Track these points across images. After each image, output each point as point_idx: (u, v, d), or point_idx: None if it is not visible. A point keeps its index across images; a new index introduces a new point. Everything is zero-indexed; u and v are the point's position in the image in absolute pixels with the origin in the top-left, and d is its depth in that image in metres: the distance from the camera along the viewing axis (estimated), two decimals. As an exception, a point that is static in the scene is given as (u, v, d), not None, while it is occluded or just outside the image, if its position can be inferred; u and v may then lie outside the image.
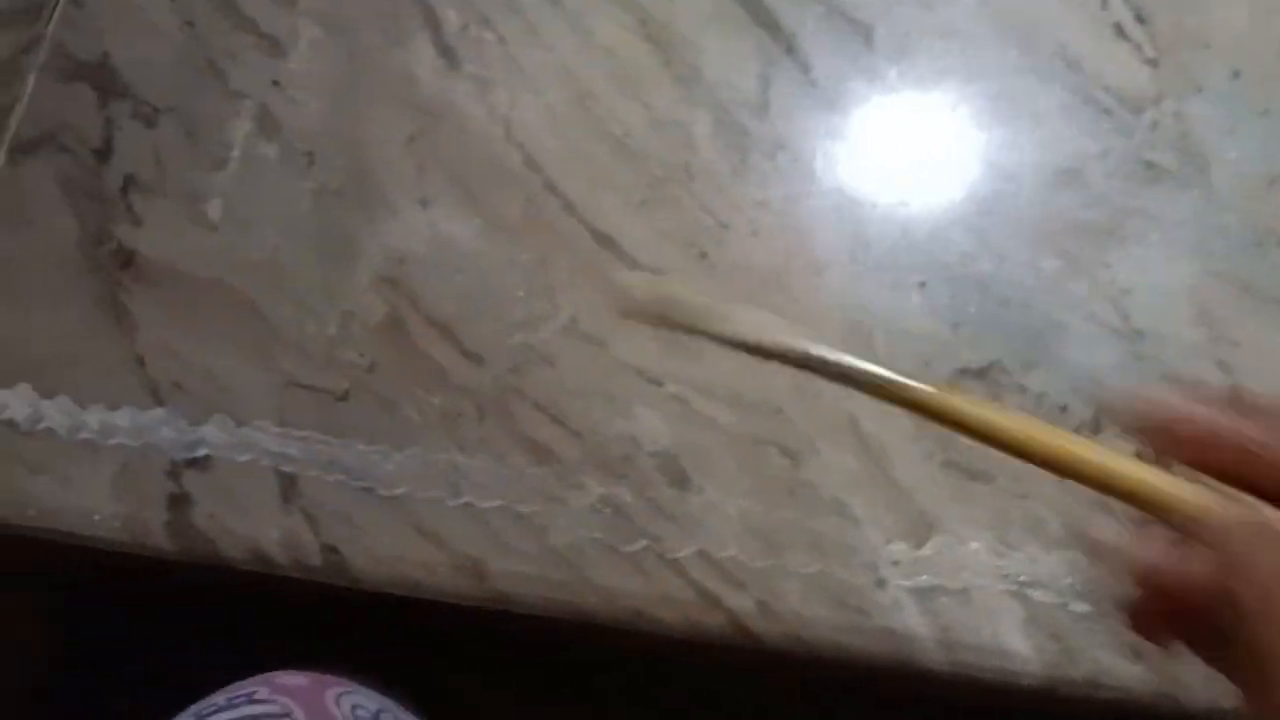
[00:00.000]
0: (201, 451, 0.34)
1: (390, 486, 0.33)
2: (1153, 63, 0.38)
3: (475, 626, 0.37)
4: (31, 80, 0.38)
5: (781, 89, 0.38)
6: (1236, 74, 0.38)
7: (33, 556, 0.36)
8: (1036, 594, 0.31)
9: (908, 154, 0.37)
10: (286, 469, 0.33)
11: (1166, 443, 0.21)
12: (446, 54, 0.38)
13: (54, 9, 0.39)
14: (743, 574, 0.32)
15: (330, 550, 0.33)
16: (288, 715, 0.33)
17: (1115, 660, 0.31)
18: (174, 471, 0.33)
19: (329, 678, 0.36)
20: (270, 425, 0.34)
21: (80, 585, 0.46)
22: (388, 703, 0.36)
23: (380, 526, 0.33)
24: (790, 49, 0.39)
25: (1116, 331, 0.35)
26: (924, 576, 0.32)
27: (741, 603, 0.32)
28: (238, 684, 0.35)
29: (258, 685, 0.35)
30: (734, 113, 0.38)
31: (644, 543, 0.33)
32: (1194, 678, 0.31)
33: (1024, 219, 0.36)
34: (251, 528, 0.33)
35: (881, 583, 0.32)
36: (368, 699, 0.36)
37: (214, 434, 0.34)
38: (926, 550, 0.32)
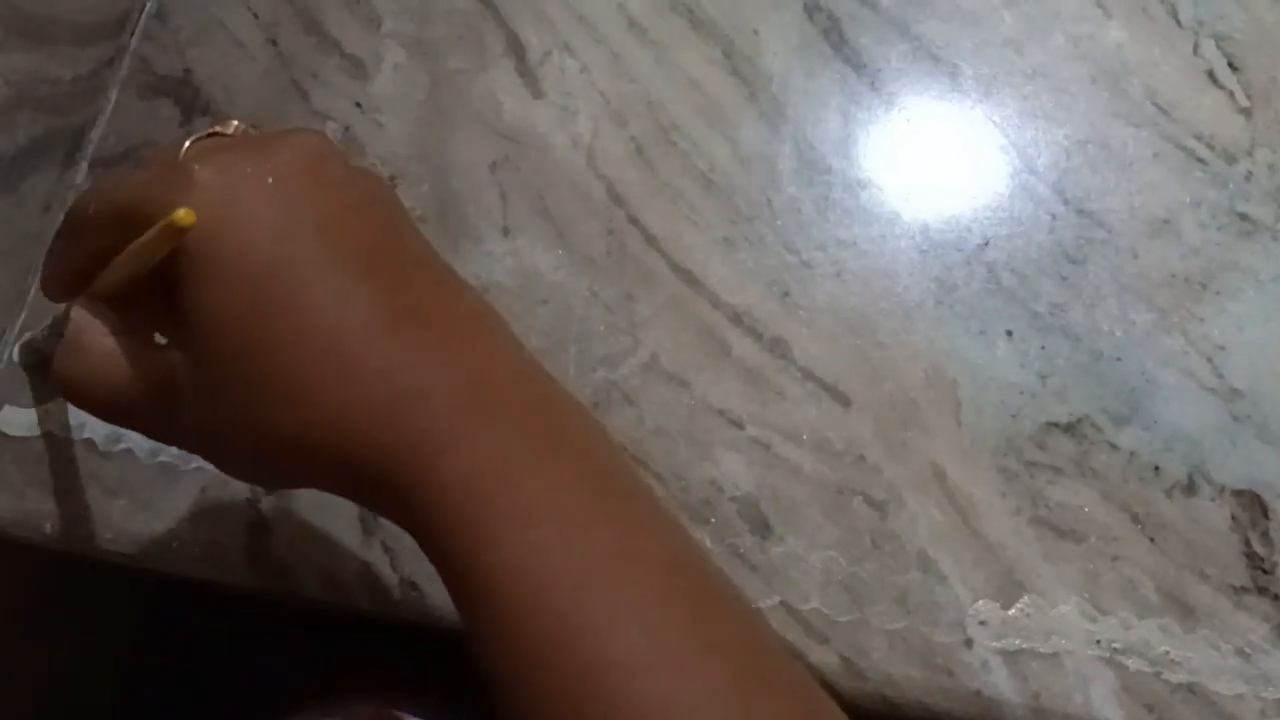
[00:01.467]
0: (279, 480, 0.32)
1: (469, 523, 0.31)
2: (1246, 112, 0.36)
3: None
4: (114, 95, 0.36)
5: (865, 126, 0.36)
6: (1333, 126, 0.36)
7: (107, 576, 0.35)
8: (1130, 661, 0.29)
9: (994, 196, 0.35)
10: (364, 501, 0.32)
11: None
12: (529, 81, 0.36)
13: (137, 23, 0.37)
14: (827, 628, 0.30)
15: (409, 585, 0.31)
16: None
17: (1212, 734, 0.29)
18: (254, 498, 0.32)
19: (398, 698, 0.34)
20: (348, 455, 0.32)
21: (147, 597, 0.45)
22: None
23: (458, 563, 0.31)
24: (874, 85, 0.36)
25: (1212, 390, 0.33)
26: (1013, 638, 0.30)
27: (826, 658, 0.30)
28: (310, 713, 0.34)
29: (331, 715, 0.33)
30: (818, 149, 0.35)
31: (725, 590, 0.31)
32: (1287, 751, 0.29)
33: (1115, 269, 0.34)
34: (330, 559, 0.31)
35: (969, 642, 0.30)
36: (434, 728, 0.34)
37: (291, 462, 0.32)
38: (1014, 611, 0.30)
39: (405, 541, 0.31)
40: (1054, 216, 0.35)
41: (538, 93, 0.36)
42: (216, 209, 0.19)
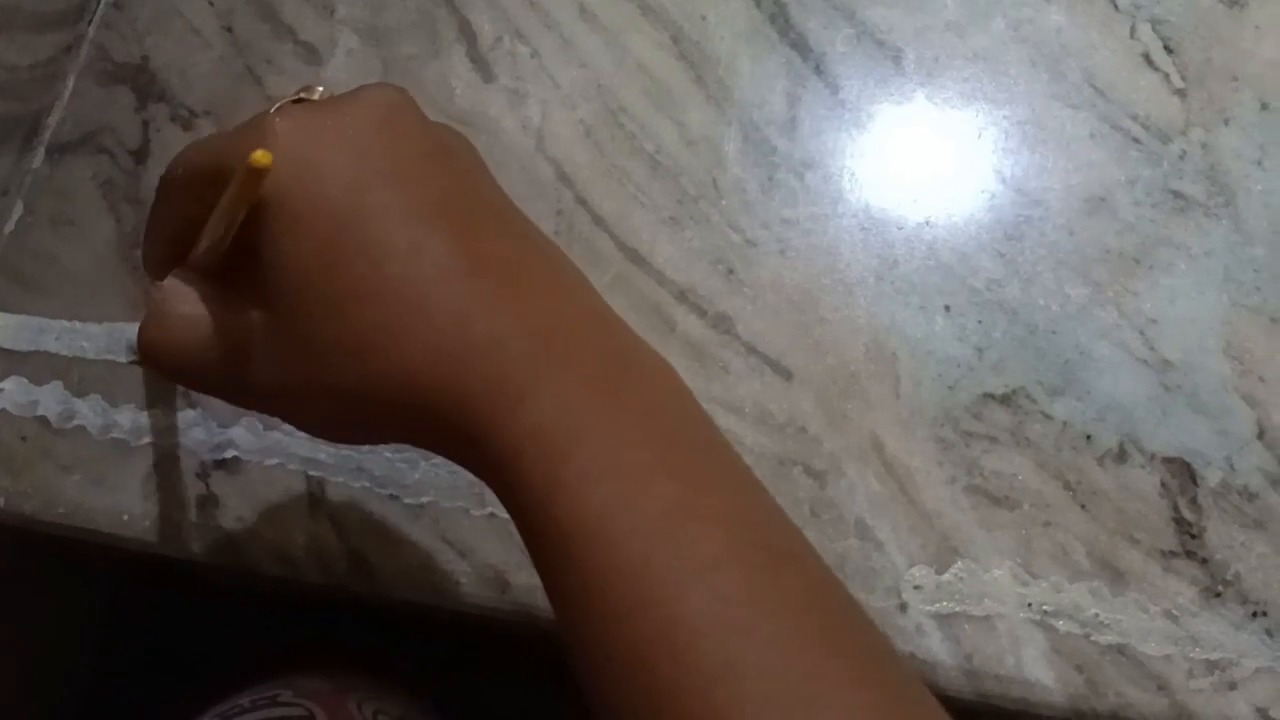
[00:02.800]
0: (230, 453, 0.31)
1: (416, 495, 0.31)
2: (1181, 93, 0.36)
3: (499, 635, 0.34)
4: (72, 82, 0.36)
5: (810, 108, 0.35)
6: (1265, 105, 0.35)
7: (61, 554, 0.34)
8: (1060, 624, 0.29)
9: (935, 176, 0.35)
10: (314, 474, 0.31)
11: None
12: (481, 66, 0.36)
13: (95, 12, 0.36)
14: (765, 593, 0.30)
15: (356, 557, 0.30)
16: (310, 718, 0.31)
17: (1140, 694, 0.28)
18: (203, 473, 0.31)
19: (352, 681, 0.34)
20: (299, 430, 0.32)
21: (112, 581, 0.44)
22: (410, 709, 0.34)
23: (405, 534, 0.31)
24: (819, 69, 0.36)
25: (1144, 361, 0.32)
26: (947, 602, 0.30)
27: (763, 622, 0.30)
28: (261, 685, 0.33)
29: (281, 688, 0.33)
30: (763, 130, 0.35)
31: (667, 559, 0.30)
32: (1214, 713, 0.28)
33: (1052, 245, 0.34)
34: (279, 531, 0.31)
35: (904, 607, 0.30)
36: (390, 705, 0.33)
37: (243, 436, 0.32)
38: (949, 576, 0.30)
39: (353, 514, 0.31)
40: (993, 195, 0.34)
41: (489, 77, 0.35)
42: (294, 161, 0.19)
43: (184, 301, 0.21)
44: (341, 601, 0.38)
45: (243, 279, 0.21)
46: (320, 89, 0.22)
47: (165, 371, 0.22)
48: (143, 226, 0.34)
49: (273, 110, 0.20)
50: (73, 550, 0.35)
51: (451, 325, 0.18)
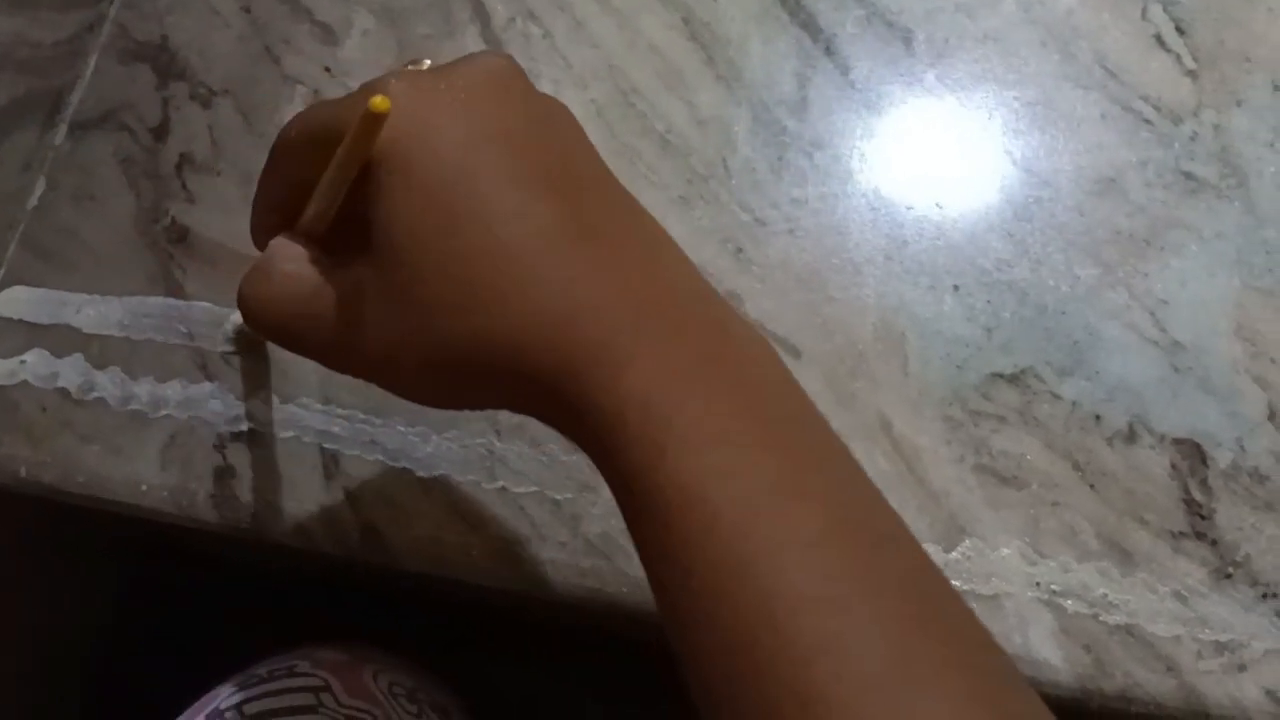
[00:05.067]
0: (246, 426, 0.30)
1: (428, 469, 0.29)
2: (1192, 74, 0.33)
3: (511, 609, 0.33)
4: (93, 60, 0.34)
5: (820, 89, 0.34)
6: (1278, 87, 0.33)
7: (78, 533, 0.33)
8: (1068, 603, 0.27)
9: (945, 157, 0.33)
10: (329, 446, 0.30)
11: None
12: (494, 47, 0.34)
13: (118, -8, 0.35)
14: (772, 569, 0.28)
15: (369, 528, 0.29)
16: (326, 689, 0.30)
17: (1148, 675, 0.27)
18: (220, 445, 0.30)
19: (368, 654, 0.33)
20: (314, 403, 0.30)
21: (131, 556, 0.43)
22: (423, 681, 0.33)
23: (417, 507, 0.29)
24: (829, 50, 0.34)
25: (1154, 343, 0.30)
26: (955, 581, 0.28)
27: (769, 597, 0.28)
28: (279, 656, 0.32)
29: (298, 659, 0.31)
30: (773, 111, 0.33)
31: (675, 534, 0.29)
32: (1222, 694, 0.27)
33: (1061, 226, 0.32)
34: (293, 503, 0.29)
35: (910, 583, 0.28)
36: (404, 676, 0.32)
37: (260, 409, 0.30)
38: (956, 554, 0.28)
39: (366, 487, 0.30)
40: (1003, 176, 0.32)
41: (501, 57, 0.34)
42: (409, 120, 0.18)
43: (289, 260, 0.20)
44: (354, 581, 0.37)
45: (349, 243, 0.20)
46: (428, 61, 0.21)
47: (264, 329, 0.21)
48: (163, 202, 0.33)
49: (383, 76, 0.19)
50: (90, 529, 0.34)
51: (557, 289, 0.18)
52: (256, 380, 0.30)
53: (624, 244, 0.19)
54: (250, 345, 0.31)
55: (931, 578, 0.17)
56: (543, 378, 0.18)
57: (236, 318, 0.31)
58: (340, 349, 0.20)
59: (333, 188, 0.19)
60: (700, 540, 0.16)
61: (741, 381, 0.18)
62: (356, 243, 0.19)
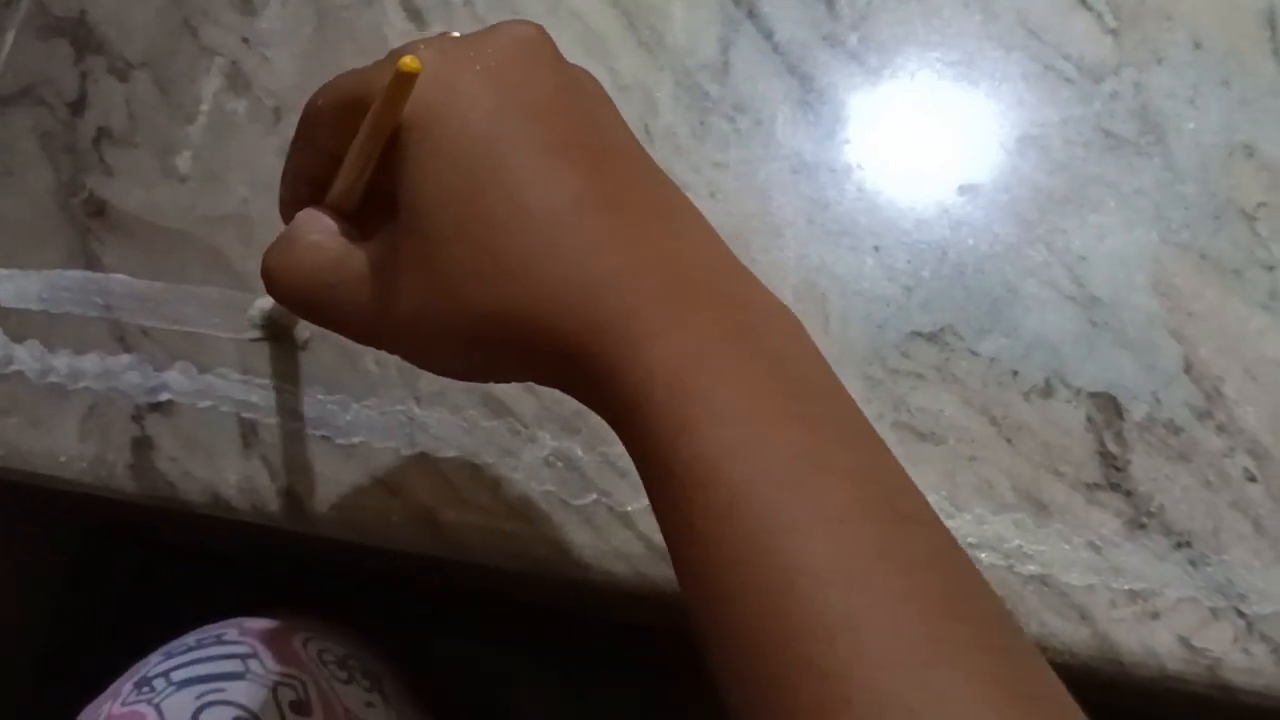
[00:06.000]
0: (165, 396, 0.30)
1: (347, 435, 0.29)
2: (1114, 32, 0.33)
3: (441, 576, 0.33)
4: (11, 36, 0.33)
5: (743, 53, 0.33)
6: (1198, 45, 0.33)
7: (19, 516, 0.32)
8: (984, 555, 0.27)
9: (866, 119, 0.32)
10: (247, 415, 0.29)
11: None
12: (415, 16, 0.33)
13: (37, -34, 0.34)
14: (691, 529, 0.28)
15: (287, 495, 0.29)
16: (253, 655, 0.30)
17: (1062, 624, 0.26)
18: (138, 415, 0.29)
19: (299, 622, 0.32)
20: (233, 373, 0.30)
21: (64, 546, 0.42)
22: (355, 649, 0.32)
23: (336, 474, 0.29)
24: (752, 13, 0.34)
25: (1072, 298, 0.30)
26: (870, 535, 0.28)
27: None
28: (209, 626, 0.31)
29: (227, 627, 0.31)
30: (695, 76, 0.33)
31: (594, 496, 0.29)
32: (1135, 642, 0.27)
33: (982, 185, 0.31)
34: (211, 472, 0.29)
35: (828, 540, 0.28)
36: (335, 644, 0.32)
37: (178, 380, 0.30)
38: (874, 509, 0.28)
39: (285, 455, 0.29)
40: (924, 136, 0.32)
41: (422, 25, 0.33)
42: (438, 86, 0.18)
43: (315, 230, 0.20)
44: (294, 557, 0.37)
45: (377, 216, 0.20)
46: (455, 34, 0.21)
47: (286, 299, 0.20)
48: (81, 175, 0.32)
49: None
50: (31, 512, 0.34)
51: (584, 257, 0.18)
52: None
53: (651, 214, 0.19)
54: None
55: (957, 559, 0.17)
56: (566, 347, 0.17)
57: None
58: (365, 319, 0.20)
59: (362, 155, 0.19)
60: (724, 514, 0.16)
61: (768, 355, 0.18)
62: (386, 214, 0.19)
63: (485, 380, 0.21)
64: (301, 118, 0.21)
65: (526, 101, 0.18)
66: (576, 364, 0.18)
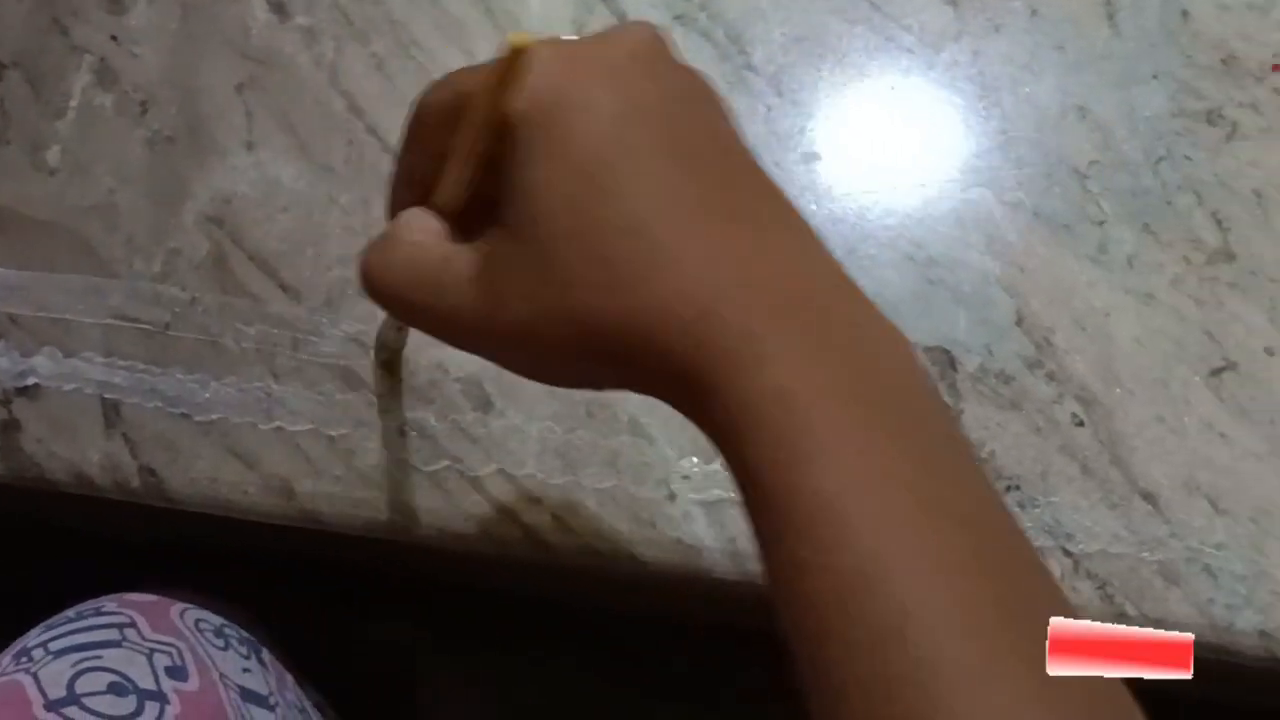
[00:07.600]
0: (31, 380, 0.30)
1: (206, 412, 0.29)
2: (953, 3, 0.34)
3: (318, 549, 0.33)
4: (-113, 39, 0.34)
5: (591, 31, 0.34)
6: (1035, 12, 0.34)
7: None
8: (812, 504, 0.28)
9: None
10: (110, 396, 0.30)
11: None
12: (278, 9, 0.34)
13: (-87, -27, 0.35)
14: (540, 490, 0.28)
15: (148, 472, 0.29)
16: (131, 625, 0.30)
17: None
18: (5, 399, 0.30)
19: (178, 595, 0.33)
20: (97, 356, 0.30)
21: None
22: (232, 619, 0.33)
23: (195, 450, 0.29)
24: (611, -1, 0.34)
25: (910, 258, 0.31)
26: (714, 490, 0.28)
27: (539, 517, 0.28)
28: (89, 600, 0.32)
29: (107, 600, 0.31)
30: (556, 59, 0.33)
31: (446, 463, 0.29)
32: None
33: (825, 153, 0.32)
34: (75, 451, 0.29)
35: (672, 496, 0.28)
36: (212, 615, 0.32)
37: (44, 364, 0.30)
38: (716, 465, 0.28)
39: (146, 433, 0.29)
40: (769, 108, 0.32)
41: (285, 17, 0.34)
42: (553, 88, 0.17)
43: (418, 230, 0.19)
44: (176, 541, 0.37)
45: (480, 219, 0.19)
46: (570, 36, 0.20)
47: (382, 298, 0.20)
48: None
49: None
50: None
51: (702, 269, 0.17)
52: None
53: (767, 228, 0.18)
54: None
55: (1065, 607, 0.16)
56: (676, 361, 0.17)
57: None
58: (465, 324, 0.19)
59: (470, 147, 0.18)
60: (833, 549, 0.15)
61: (886, 386, 0.17)
62: (494, 216, 0.18)
63: (584, 386, 0.20)
64: (411, 118, 0.20)
65: (646, 106, 0.18)
66: (686, 381, 0.17)
